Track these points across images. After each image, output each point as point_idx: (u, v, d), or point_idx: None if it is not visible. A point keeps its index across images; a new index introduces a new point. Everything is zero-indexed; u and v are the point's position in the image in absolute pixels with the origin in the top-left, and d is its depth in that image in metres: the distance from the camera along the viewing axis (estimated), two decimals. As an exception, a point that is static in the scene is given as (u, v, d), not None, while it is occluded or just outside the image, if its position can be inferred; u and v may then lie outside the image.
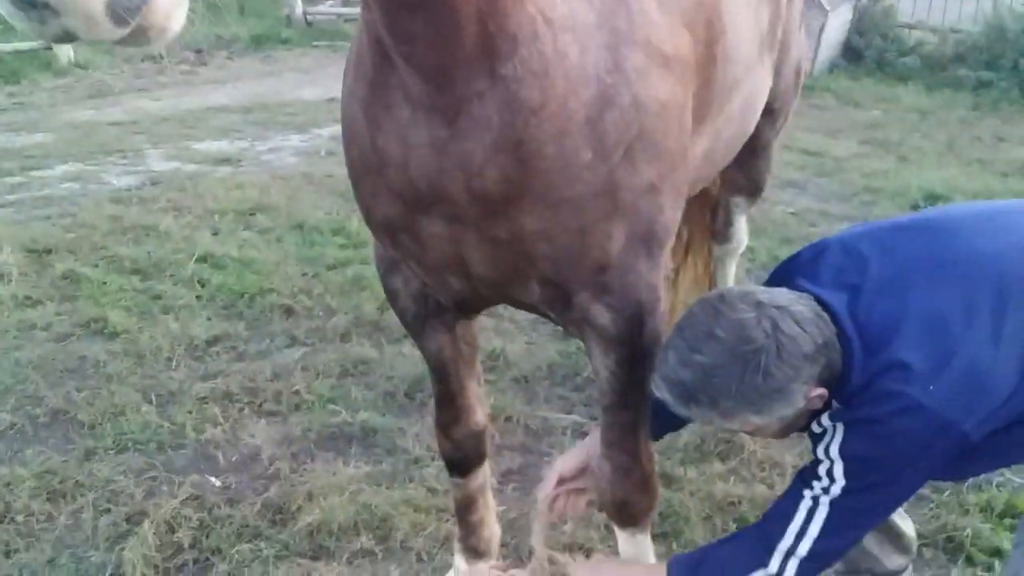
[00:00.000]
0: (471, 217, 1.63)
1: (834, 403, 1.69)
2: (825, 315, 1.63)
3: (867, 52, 9.60)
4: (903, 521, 2.28)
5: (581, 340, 1.91)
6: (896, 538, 2.27)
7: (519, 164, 1.54)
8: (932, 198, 5.58)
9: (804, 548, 1.66)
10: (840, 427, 1.64)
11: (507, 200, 1.59)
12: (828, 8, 9.17)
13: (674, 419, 2.02)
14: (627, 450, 1.99)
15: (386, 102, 1.57)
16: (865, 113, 8.26)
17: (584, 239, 1.66)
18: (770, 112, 2.90)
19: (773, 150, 3.11)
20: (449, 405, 2.24)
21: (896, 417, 1.57)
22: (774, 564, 1.68)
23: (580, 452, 2.11)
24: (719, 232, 3.37)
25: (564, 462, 2.11)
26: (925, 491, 2.88)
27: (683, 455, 3.08)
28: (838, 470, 1.62)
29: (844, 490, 1.62)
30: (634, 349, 1.81)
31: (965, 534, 2.65)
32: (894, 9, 9.97)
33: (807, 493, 1.66)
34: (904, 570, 2.34)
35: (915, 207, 5.46)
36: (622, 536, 2.15)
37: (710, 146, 2.17)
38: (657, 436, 2.12)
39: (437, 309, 2.05)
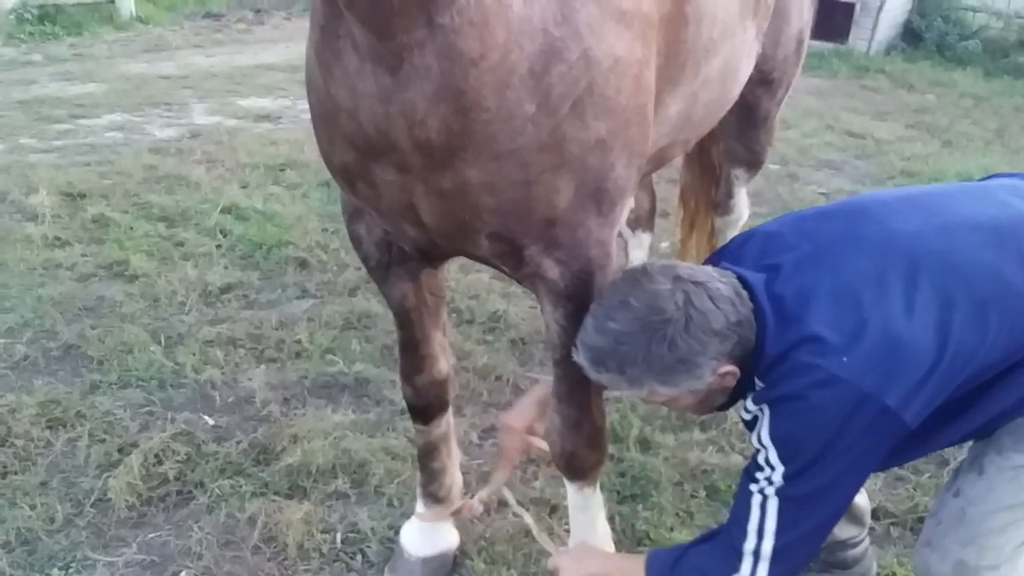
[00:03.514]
0: (417, 167, 1.64)
1: (757, 382, 1.69)
2: (744, 293, 1.64)
3: (927, 34, 9.34)
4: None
5: (534, 294, 1.94)
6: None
7: (460, 114, 1.55)
8: (968, 184, 5.44)
9: (767, 547, 1.65)
10: (766, 409, 1.64)
11: (450, 150, 1.60)
12: (888, -13, 8.94)
13: None
14: (576, 404, 2.01)
15: (336, 50, 1.59)
16: (918, 97, 8.06)
17: (529, 192, 1.67)
18: (769, 82, 2.87)
19: (773, 121, 3.07)
20: (412, 353, 2.28)
21: (812, 391, 1.56)
22: (745, 568, 1.67)
23: (524, 409, 2.23)
24: (720, 204, 3.35)
25: (510, 416, 2.23)
26: (904, 471, 2.86)
27: (663, 422, 3.10)
28: (772, 455, 1.62)
29: (784, 476, 1.61)
30: (583, 303, 1.81)
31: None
32: (958, -9, 9.68)
33: (754, 488, 1.66)
34: (859, 541, 2.33)
35: (949, 192, 5.34)
36: (571, 488, 2.19)
37: (686, 109, 2.15)
38: None
39: (401, 257, 2.08)
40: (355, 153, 1.73)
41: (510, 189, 1.66)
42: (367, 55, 1.53)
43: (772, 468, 1.62)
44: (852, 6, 9.06)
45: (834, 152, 6.34)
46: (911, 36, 9.56)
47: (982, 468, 1.79)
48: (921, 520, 2.63)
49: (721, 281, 1.63)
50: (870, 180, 5.83)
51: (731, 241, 1.90)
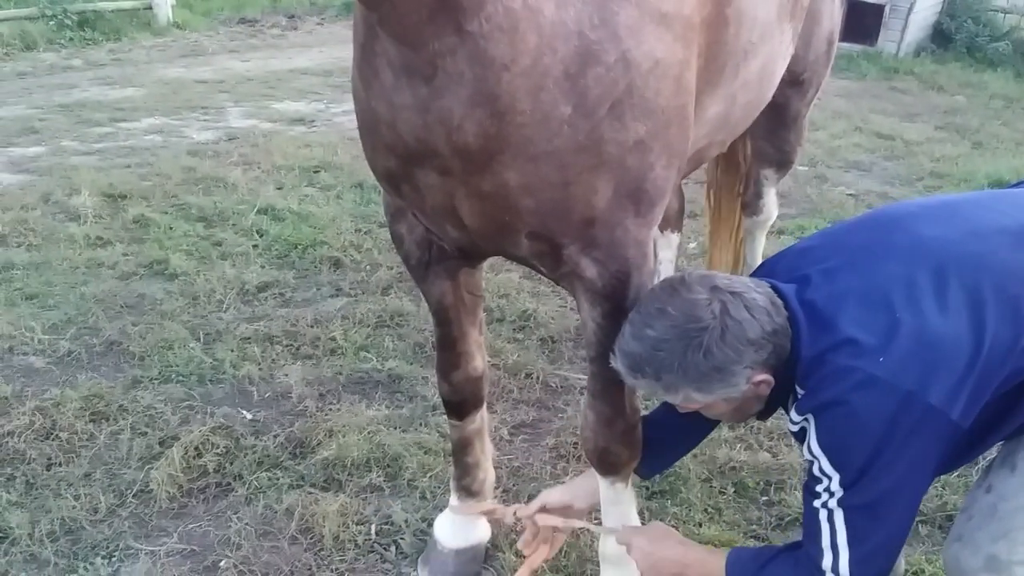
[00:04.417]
0: (457, 171, 1.68)
1: (797, 389, 1.70)
2: (779, 302, 1.66)
3: (957, 36, 9.28)
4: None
5: (571, 294, 1.98)
6: None
7: (496, 118, 1.58)
8: (999, 186, 5.40)
9: (844, 563, 1.62)
10: (811, 419, 1.64)
11: (488, 154, 1.63)
12: (919, -11, 8.89)
13: (666, 454, 2.19)
14: (610, 401, 2.05)
15: (374, 66, 1.64)
16: (948, 98, 8.02)
17: (568, 192, 1.70)
18: (799, 83, 2.90)
19: (803, 122, 3.10)
20: (449, 350, 2.33)
21: (853, 394, 1.57)
22: None
23: (568, 490, 2.23)
24: (749, 204, 3.38)
25: (551, 493, 2.22)
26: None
27: (692, 420, 3.13)
28: (826, 464, 1.62)
29: (842, 484, 1.60)
30: (620, 303, 1.85)
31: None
32: (989, -8, 9.61)
33: (817, 503, 1.66)
34: None
35: (980, 194, 5.32)
36: (603, 484, 2.22)
37: (725, 110, 2.18)
38: (652, 472, 2.25)
39: (440, 256, 2.13)
40: (397, 160, 1.78)
41: (548, 190, 1.69)
42: (402, 70, 1.58)
43: (828, 478, 1.62)
44: (882, 8, 9.02)
45: (863, 153, 6.34)
46: (941, 38, 9.50)
47: (1015, 465, 1.80)
48: (950, 518, 2.65)
49: (757, 291, 1.66)
50: (899, 181, 5.82)
51: (766, 260, 1.94)
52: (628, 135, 1.69)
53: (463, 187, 1.73)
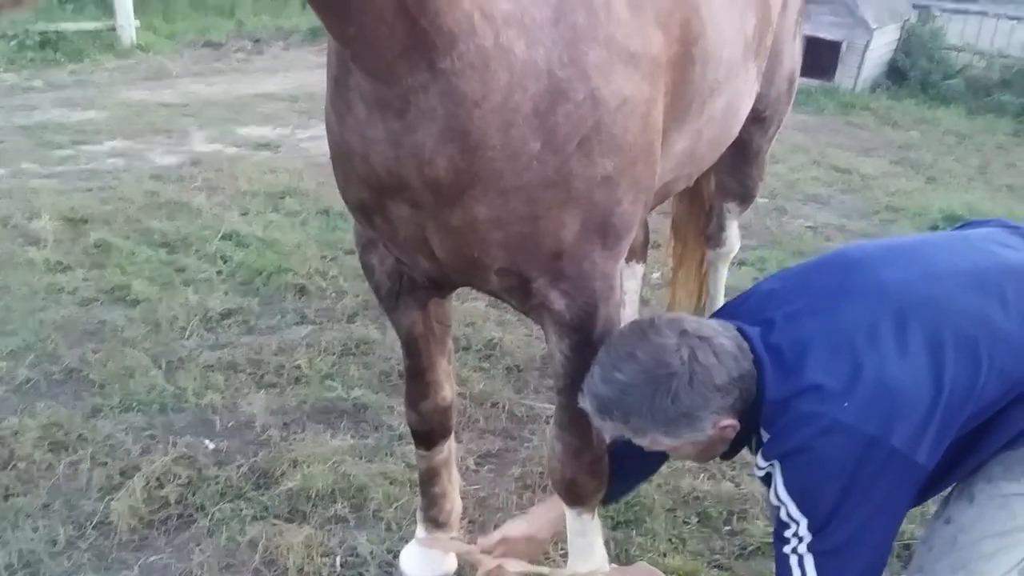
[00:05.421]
0: (428, 204, 1.71)
1: (763, 433, 1.73)
2: (746, 346, 1.70)
3: (911, 73, 9.53)
4: None
5: (540, 326, 2.00)
6: None
7: (467, 153, 1.61)
8: (952, 219, 5.56)
9: None
10: (777, 465, 1.67)
11: (459, 188, 1.66)
12: (874, 26, 9.12)
13: (629, 479, 2.21)
14: (578, 432, 2.07)
15: (347, 100, 1.68)
16: (902, 133, 8.22)
17: (536, 226, 1.73)
18: (762, 120, 2.97)
19: (765, 157, 3.17)
20: (418, 380, 2.35)
21: (818, 439, 1.60)
22: None
23: (530, 520, 2.25)
24: (712, 237, 3.44)
25: (512, 526, 2.24)
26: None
27: (657, 450, 3.16)
28: (794, 510, 1.65)
29: (810, 529, 1.63)
30: (588, 335, 1.88)
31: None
32: (942, 31, 9.88)
33: (787, 549, 1.68)
34: None
35: (934, 228, 5.47)
36: (570, 515, 2.24)
37: (691, 146, 2.23)
38: (615, 497, 2.26)
39: (411, 286, 2.15)
40: (370, 192, 1.80)
41: (517, 223, 1.72)
42: (375, 105, 1.61)
43: (796, 523, 1.65)
44: (839, 45, 9.25)
45: (821, 187, 6.47)
46: (896, 74, 9.76)
47: (972, 496, 1.84)
48: (907, 548, 2.71)
49: (725, 336, 1.70)
50: (856, 215, 5.95)
51: (730, 301, 1.98)
52: (596, 171, 1.72)
53: (434, 220, 1.75)
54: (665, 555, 2.68)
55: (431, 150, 1.61)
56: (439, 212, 1.72)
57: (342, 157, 1.81)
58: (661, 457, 2.20)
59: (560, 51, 1.65)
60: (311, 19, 12.79)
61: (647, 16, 1.81)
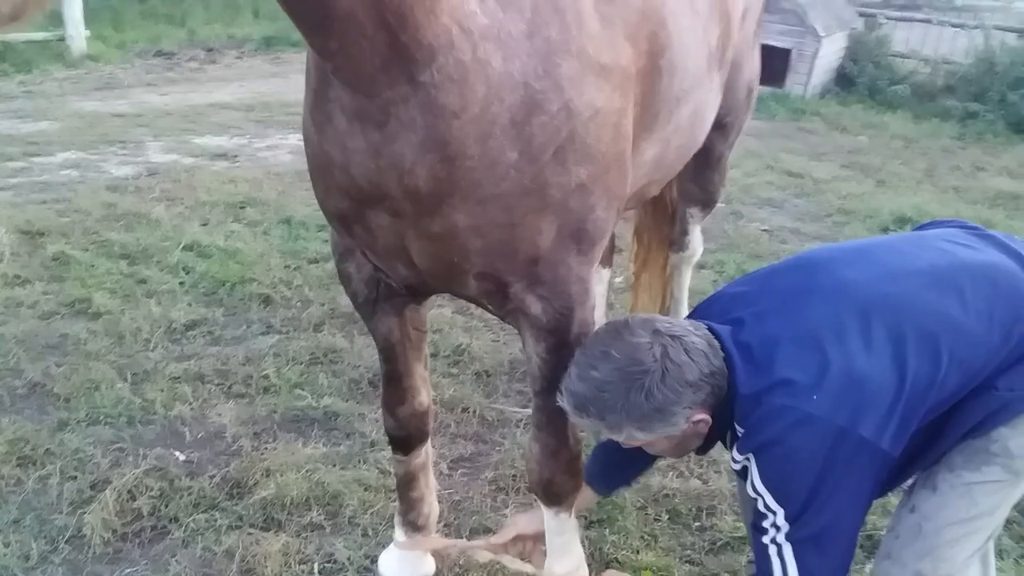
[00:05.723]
0: (408, 213, 1.76)
1: (737, 428, 1.79)
2: (717, 344, 1.77)
3: (859, 79, 9.76)
4: None
5: (516, 329, 2.04)
6: None
7: (446, 163, 1.66)
8: (902, 221, 5.75)
9: None
10: (752, 458, 1.74)
11: (438, 197, 1.71)
12: (823, 34, 9.35)
13: (626, 469, 2.26)
14: (555, 433, 2.13)
15: (327, 112, 1.72)
16: (851, 138, 8.42)
17: (514, 233, 1.78)
18: (722, 127, 3.05)
19: (726, 163, 3.26)
20: (395, 385, 2.38)
21: (790, 432, 1.67)
22: None
23: (538, 515, 2.31)
24: (675, 241, 3.52)
25: (523, 521, 2.33)
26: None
27: (626, 450, 3.22)
28: (771, 501, 1.71)
29: (787, 519, 1.69)
30: (563, 337, 1.94)
31: (883, 533, 2.77)
32: (888, 39, 10.15)
33: (765, 539, 1.73)
34: None
35: (885, 229, 5.63)
36: (547, 514, 2.28)
37: (660, 153, 2.30)
38: (608, 491, 2.33)
39: (388, 293, 2.18)
40: (350, 202, 1.84)
41: (495, 231, 1.77)
42: (355, 116, 1.66)
43: (774, 513, 1.71)
44: (789, 52, 9.46)
45: (775, 191, 6.62)
46: (844, 81, 10.00)
47: (935, 486, 1.92)
48: (870, 538, 2.80)
49: (696, 334, 1.76)
50: (809, 218, 6.10)
51: (698, 305, 2.05)
52: (570, 179, 1.78)
53: (413, 228, 1.80)
54: (638, 552, 2.74)
55: (411, 160, 1.66)
56: (419, 221, 1.77)
57: (321, 168, 1.84)
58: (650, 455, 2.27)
59: (535, 64, 1.70)
60: (264, 28, 12.76)
61: (617, 30, 1.88)
